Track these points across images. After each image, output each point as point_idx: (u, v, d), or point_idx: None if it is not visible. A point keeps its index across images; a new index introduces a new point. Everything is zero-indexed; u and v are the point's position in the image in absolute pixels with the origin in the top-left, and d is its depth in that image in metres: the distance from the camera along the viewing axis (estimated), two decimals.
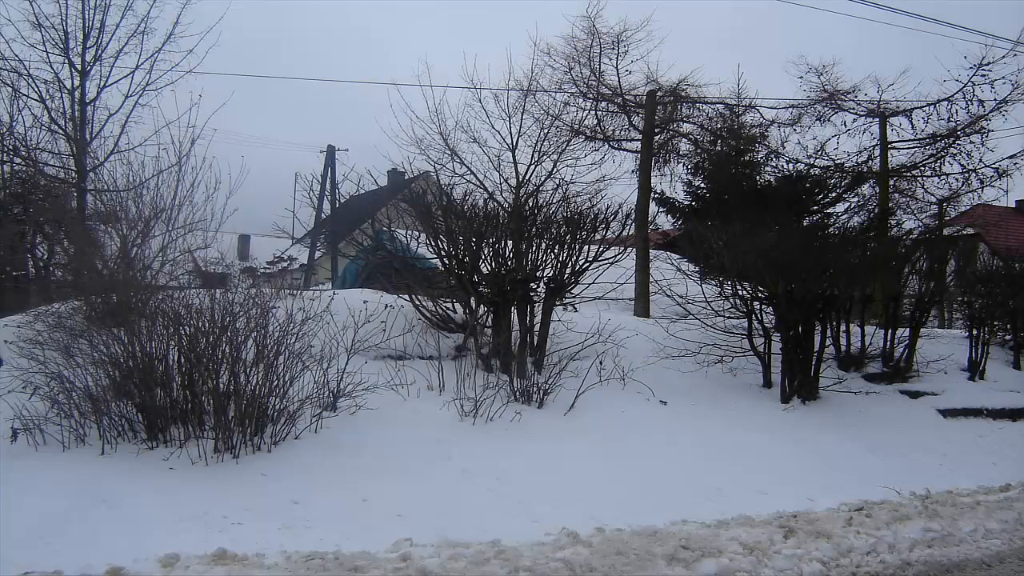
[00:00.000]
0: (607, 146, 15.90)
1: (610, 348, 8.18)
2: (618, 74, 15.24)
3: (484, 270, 8.08)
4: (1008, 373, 10.96)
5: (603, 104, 15.70)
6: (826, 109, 15.89)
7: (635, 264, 12.21)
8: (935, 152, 15.77)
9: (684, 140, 16.61)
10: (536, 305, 8.35)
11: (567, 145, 15.55)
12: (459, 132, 15.36)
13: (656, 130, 15.17)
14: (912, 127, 15.69)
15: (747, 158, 16.65)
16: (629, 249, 9.87)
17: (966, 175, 15.67)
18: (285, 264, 22.39)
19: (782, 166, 16.63)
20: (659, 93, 15.16)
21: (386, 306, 8.34)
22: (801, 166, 16.30)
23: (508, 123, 15.30)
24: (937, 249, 11.45)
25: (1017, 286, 11.28)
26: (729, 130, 16.11)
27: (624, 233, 9.40)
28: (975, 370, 10.52)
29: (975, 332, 10.71)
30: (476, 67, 21.77)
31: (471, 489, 5.50)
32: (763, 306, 8.97)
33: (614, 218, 8.80)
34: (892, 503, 6.04)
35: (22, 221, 10.38)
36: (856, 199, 16.47)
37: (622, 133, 15.97)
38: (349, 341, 6.70)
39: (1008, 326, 11.69)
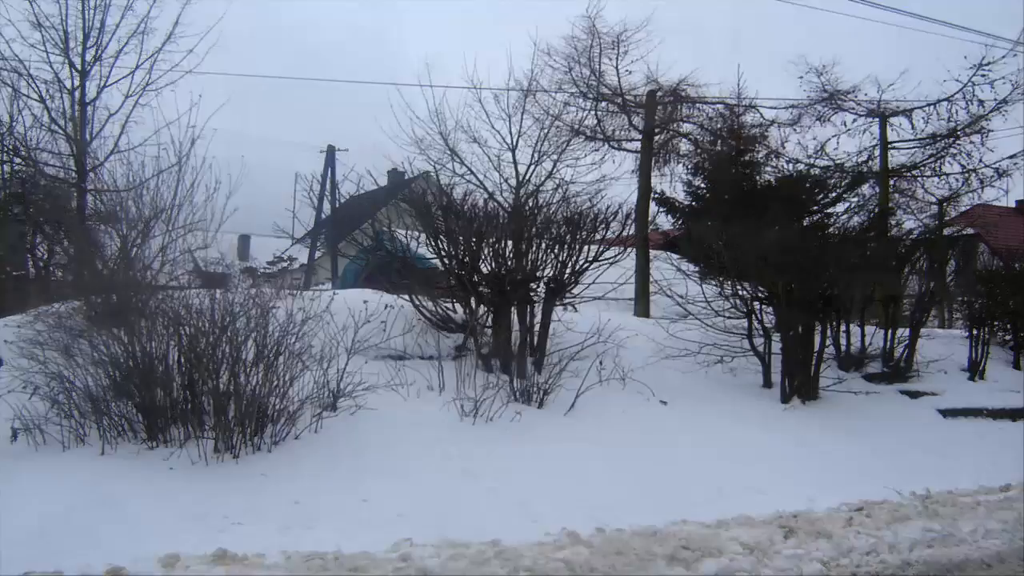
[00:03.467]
0: (607, 146, 15.94)
1: (610, 348, 8.17)
2: (618, 74, 15.29)
3: (484, 270, 8.08)
4: (1008, 373, 10.96)
5: (603, 104, 15.74)
6: (826, 109, 15.93)
7: (635, 264, 12.22)
8: (935, 152, 15.81)
9: (684, 140, 16.65)
10: (536, 305, 8.35)
11: (567, 145, 15.61)
12: (459, 132, 15.44)
13: (656, 130, 15.20)
14: (912, 127, 15.75)
15: (747, 158, 16.67)
16: (629, 249, 9.88)
17: (966, 175, 15.71)
18: (285, 264, 22.41)
19: (782, 166, 16.67)
20: (659, 93, 15.20)
21: (386, 306, 8.33)
22: (801, 166, 16.34)
23: (508, 123, 15.39)
24: (937, 249, 11.45)
25: (1017, 286, 11.29)
26: (729, 130, 16.12)
27: (624, 233, 9.41)
28: (975, 370, 10.52)
29: (974, 332, 10.72)
30: (476, 68, 21.78)
31: (471, 489, 5.50)
32: (763, 306, 8.97)
33: (614, 218, 8.81)
34: (892, 503, 6.04)
35: (22, 221, 10.39)
36: (856, 199, 16.49)
37: (622, 133, 16.02)
38: (349, 341, 6.70)
39: (1008, 326, 11.70)
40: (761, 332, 8.82)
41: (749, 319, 8.83)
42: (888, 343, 10.20)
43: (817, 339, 8.99)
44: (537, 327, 8.27)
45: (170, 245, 7.25)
